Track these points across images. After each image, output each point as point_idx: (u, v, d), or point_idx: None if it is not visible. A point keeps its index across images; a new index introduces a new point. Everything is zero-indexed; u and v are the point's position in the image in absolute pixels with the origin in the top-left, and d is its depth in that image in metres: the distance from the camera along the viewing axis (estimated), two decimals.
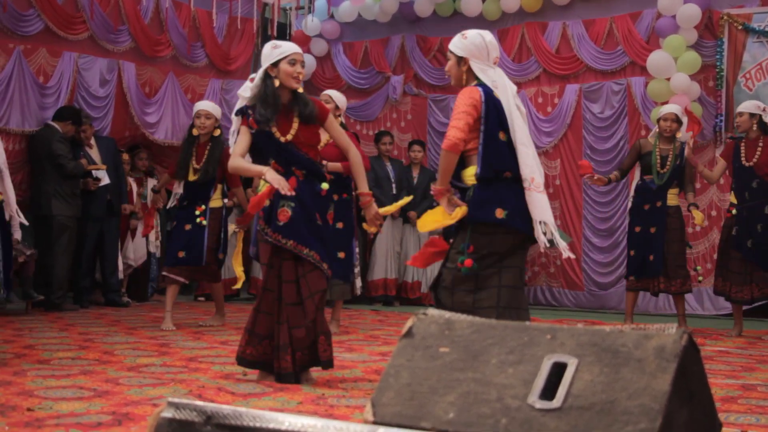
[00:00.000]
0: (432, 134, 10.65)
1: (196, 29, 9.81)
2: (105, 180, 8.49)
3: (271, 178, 4.28)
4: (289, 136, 4.39)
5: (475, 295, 3.93)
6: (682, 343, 1.93)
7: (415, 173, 9.93)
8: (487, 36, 4.09)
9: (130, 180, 9.27)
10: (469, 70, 4.07)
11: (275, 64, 4.40)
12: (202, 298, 9.93)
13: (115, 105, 9.02)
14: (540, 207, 3.95)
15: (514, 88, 4.09)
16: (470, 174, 4.02)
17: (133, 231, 9.20)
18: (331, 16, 10.89)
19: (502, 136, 3.97)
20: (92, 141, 8.63)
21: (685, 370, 1.93)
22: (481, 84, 4.02)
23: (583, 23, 9.80)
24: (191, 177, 6.94)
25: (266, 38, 9.91)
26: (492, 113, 3.95)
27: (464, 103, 3.93)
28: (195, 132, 6.91)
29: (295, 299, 4.42)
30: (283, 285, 4.45)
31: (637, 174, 7.51)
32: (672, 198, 7.34)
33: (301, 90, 4.42)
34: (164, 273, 7.02)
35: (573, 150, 9.80)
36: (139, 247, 9.31)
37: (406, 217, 9.85)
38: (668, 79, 8.89)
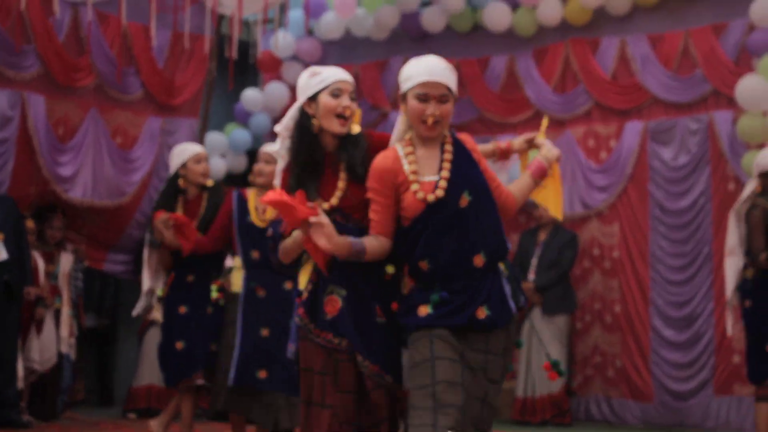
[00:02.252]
0: None
1: (129, 50, 9.33)
2: (1, 255, 8.01)
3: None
4: (334, 200, 4.04)
5: None
6: None
7: None
8: None
9: (36, 255, 8.80)
10: None
11: (314, 98, 4.07)
12: (132, 415, 9.33)
13: (15, 152, 8.59)
14: None
15: None
16: None
17: (38, 323, 8.72)
18: (310, 33, 10.78)
19: None
20: None
21: None
22: None
23: (648, 39, 9.56)
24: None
25: (222, 61, 9.86)
26: None
27: None
28: (182, 183, 6.83)
29: (352, 417, 4.07)
30: (339, 397, 4.10)
31: (736, 249, 7.29)
32: None
33: (357, 129, 4.06)
34: (200, 382, 6.69)
35: (635, 210, 9.51)
36: (47, 346, 8.79)
37: None
38: (765, 113, 8.60)
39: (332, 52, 10.80)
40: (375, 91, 10.63)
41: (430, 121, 3.78)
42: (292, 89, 10.65)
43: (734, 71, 8.88)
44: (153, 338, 9.14)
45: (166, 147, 9.51)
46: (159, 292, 6.79)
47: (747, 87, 8.51)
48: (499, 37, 9.99)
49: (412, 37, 10.52)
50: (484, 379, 3.76)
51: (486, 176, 3.87)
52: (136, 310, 7.05)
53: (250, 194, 6.52)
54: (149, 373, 9.11)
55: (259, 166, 6.53)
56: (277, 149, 4.18)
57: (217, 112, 10.52)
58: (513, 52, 10.02)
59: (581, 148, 9.77)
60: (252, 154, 10.42)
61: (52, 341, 8.79)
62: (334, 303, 4.08)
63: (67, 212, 9.11)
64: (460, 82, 10.10)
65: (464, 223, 3.72)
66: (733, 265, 7.18)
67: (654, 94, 9.36)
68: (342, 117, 4.01)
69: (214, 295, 6.80)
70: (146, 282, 6.84)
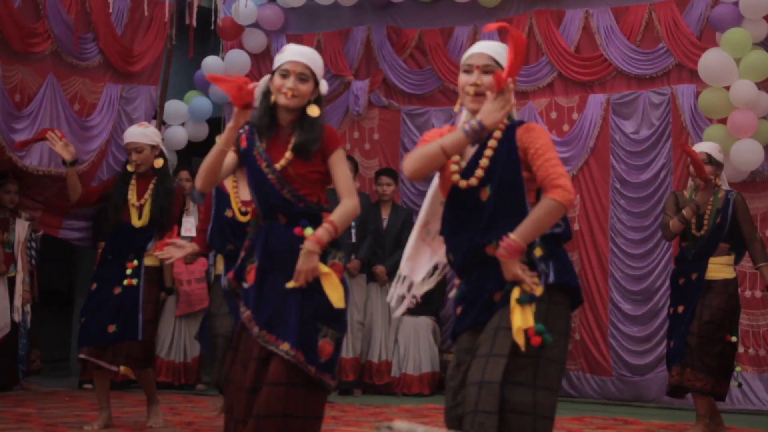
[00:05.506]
0: None
1: (87, 16, 9.30)
2: None
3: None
4: (277, 165, 4.27)
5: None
6: None
7: (385, 214, 9.75)
8: None
9: None
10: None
11: (273, 74, 4.36)
12: (89, 386, 9.12)
13: None
14: None
15: None
16: None
17: None
18: (272, 0, 10.67)
19: None
20: None
21: None
22: None
23: (612, 12, 9.59)
24: (135, 221, 6.80)
25: (182, 28, 9.74)
26: None
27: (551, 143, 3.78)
28: (130, 168, 6.88)
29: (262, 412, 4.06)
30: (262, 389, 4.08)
31: None
32: (717, 269, 7.17)
33: (316, 113, 4.30)
34: (83, 356, 6.70)
35: (597, 182, 9.55)
36: (1, 315, 8.71)
37: (370, 272, 9.54)
38: (727, 88, 8.68)
39: (294, 19, 10.76)
40: (337, 60, 10.59)
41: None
42: (253, 57, 10.73)
43: (697, 45, 8.94)
44: None
45: (124, 114, 9.56)
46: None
47: (709, 61, 8.61)
48: (462, 7, 10.00)
49: (375, 7, 10.53)
50: None
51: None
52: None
53: (230, 186, 6.52)
54: None
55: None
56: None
57: (177, 79, 10.43)
58: (477, 23, 9.97)
59: (544, 120, 9.71)
60: (212, 123, 10.34)
61: (5, 310, 8.71)
62: (250, 272, 4.23)
63: (22, 179, 9.03)
64: (423, 51, 10.23)
65: None
66: None
67: (617, 67, 9.36)
68: (284, 94, 4.21)
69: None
70: None
